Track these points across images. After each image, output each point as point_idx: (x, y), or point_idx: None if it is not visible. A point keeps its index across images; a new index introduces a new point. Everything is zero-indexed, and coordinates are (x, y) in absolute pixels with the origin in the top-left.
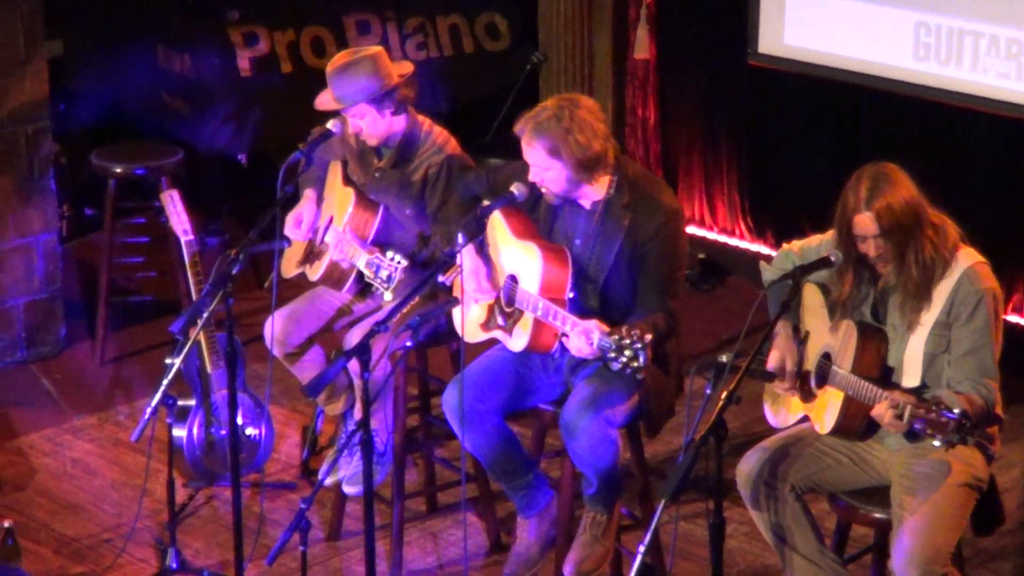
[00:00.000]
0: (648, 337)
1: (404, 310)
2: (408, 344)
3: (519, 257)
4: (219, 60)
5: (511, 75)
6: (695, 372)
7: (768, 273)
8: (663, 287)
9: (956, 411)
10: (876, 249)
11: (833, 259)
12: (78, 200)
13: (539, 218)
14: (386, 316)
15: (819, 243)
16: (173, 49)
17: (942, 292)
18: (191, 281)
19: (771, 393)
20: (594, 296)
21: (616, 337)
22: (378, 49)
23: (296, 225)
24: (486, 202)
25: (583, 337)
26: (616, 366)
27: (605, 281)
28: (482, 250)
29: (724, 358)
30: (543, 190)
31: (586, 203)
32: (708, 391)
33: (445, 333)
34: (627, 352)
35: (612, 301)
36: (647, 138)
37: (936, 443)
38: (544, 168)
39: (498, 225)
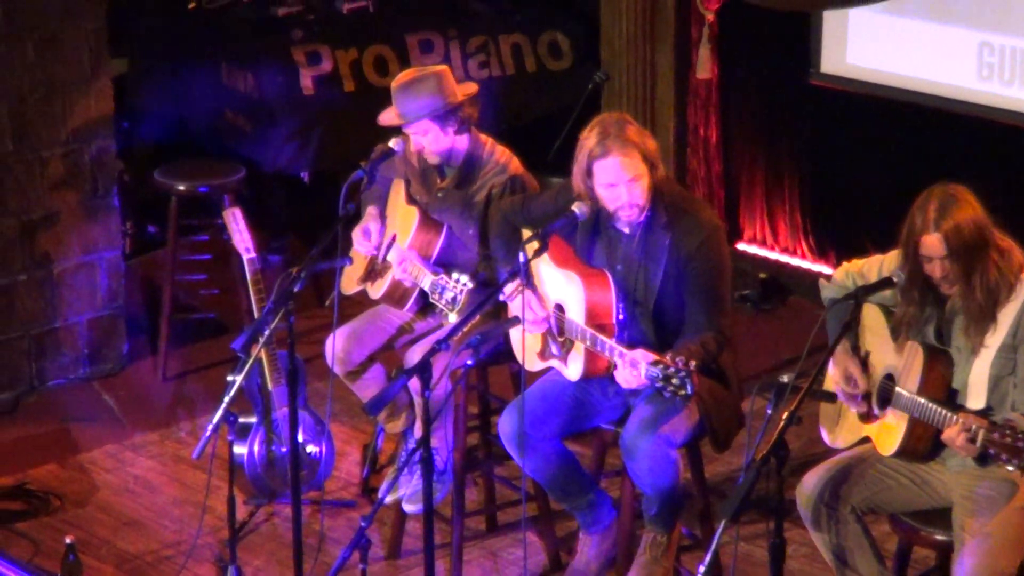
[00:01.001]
0: (692, 364)
1: (465, 328)
2: (469, 363)
3: (562, 286)
4: (282, 78)
5: (573, 94)
6: (756, 392)
7: (828, 291)
8: (710, 305)
9: None
10: (942, 270)
11: (896, 279)
12: (141, 217)
13: (577, 245)
14: (447, 334)
15: (880, 263)
16: (236, 67)
17: (1008, 315)
18: (253, 299)
19: (828, 415)
20: (646, 320)
21: (662, 366)
22: (443, 68)
23: (365, 237)
24: (526, 232)
25: (631, 368)
26: (667, 395)
27: (656, 304)
28: (528, 280)
29: (785, 378)
30: (622, 213)
31: (624, 227)
32: (769, 411)
33: (506, 352)
34: (674, 380)
35: (665, 323)
36: (709, 157)
37: (1010, 468)
38: (638, 177)
39: None
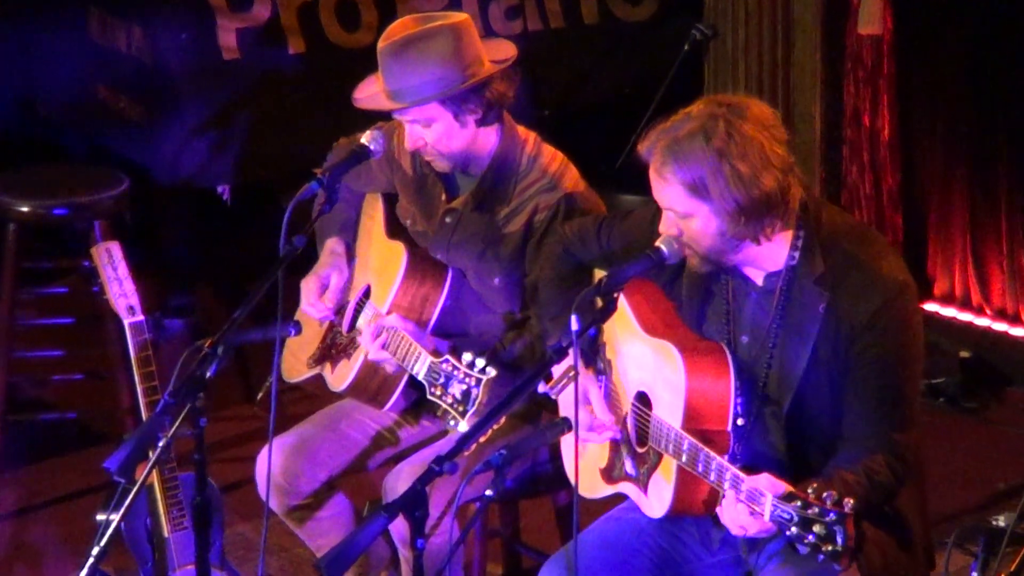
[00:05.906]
0: (849, 503)
1: (482, 438)
2: (488, 494)
3: (650, 364)
4: (189, 33)
5: (659, 60)
6: (954, 543)
7: None
8: (885, 410)
9: None
10: None
11: None
12: None
13: (681, 298)
14: (453, 448)
15: None
16: (115, 16)
17: None
18: (139, 389)
19: None
20: (776, 427)
21: (799, 503)
22: (461, 17)
23: (317, 294)
24: (598, 273)
25: (747, 502)
26: (803, 549)
27: (793, 403)
28: (593, 357)
29: (1001, 521)
30: (684, 251)
31: (756, 276)
32: (974, 572)
33: (548, 476)
34: (816, 528)
35: (807, 434)
36: (877, 163)
37: None
38: (682, 213)
39: (619, 312)
